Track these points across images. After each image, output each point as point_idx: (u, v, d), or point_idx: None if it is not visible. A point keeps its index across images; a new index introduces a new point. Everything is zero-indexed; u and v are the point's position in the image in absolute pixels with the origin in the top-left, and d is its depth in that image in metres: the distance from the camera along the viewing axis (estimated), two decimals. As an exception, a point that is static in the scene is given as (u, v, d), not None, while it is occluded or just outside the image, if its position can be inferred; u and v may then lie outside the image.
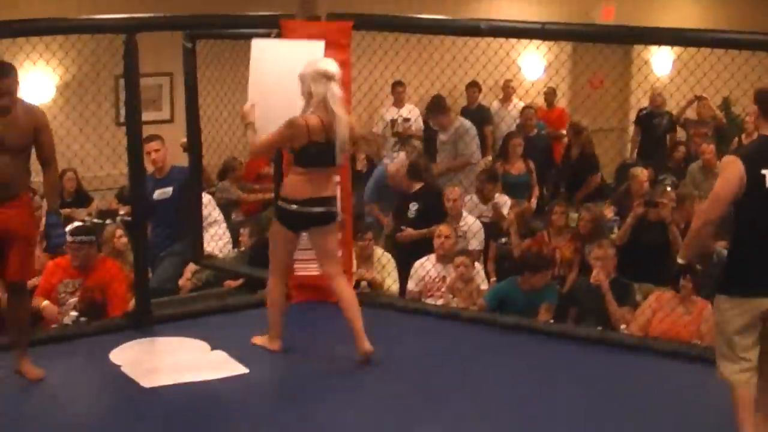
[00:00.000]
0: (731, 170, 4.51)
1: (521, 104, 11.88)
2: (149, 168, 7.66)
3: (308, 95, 5.72)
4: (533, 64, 13.41)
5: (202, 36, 7.15)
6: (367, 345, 5.81)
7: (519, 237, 8.15)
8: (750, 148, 4.90)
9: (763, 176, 4.46)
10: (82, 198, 10.12)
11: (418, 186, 8.73)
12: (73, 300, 6.87)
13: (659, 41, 8.07)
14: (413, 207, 8.54)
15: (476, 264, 7.70)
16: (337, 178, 6.15)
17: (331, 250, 5.99)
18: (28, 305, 5.82)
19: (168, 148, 8.23)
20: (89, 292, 6.93)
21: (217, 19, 7.05)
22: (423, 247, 7.97)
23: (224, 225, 8.76)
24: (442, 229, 7.79)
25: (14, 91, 5.40)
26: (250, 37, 6.47)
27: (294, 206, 5.76)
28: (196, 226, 7.58)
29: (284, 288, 6.07)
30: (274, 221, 6.03)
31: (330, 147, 5.73)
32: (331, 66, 5.74)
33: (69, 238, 6.75)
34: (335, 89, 5.70)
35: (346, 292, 5.96)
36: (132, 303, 6.81)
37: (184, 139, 7.56)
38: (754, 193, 4.47)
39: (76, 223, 8.18)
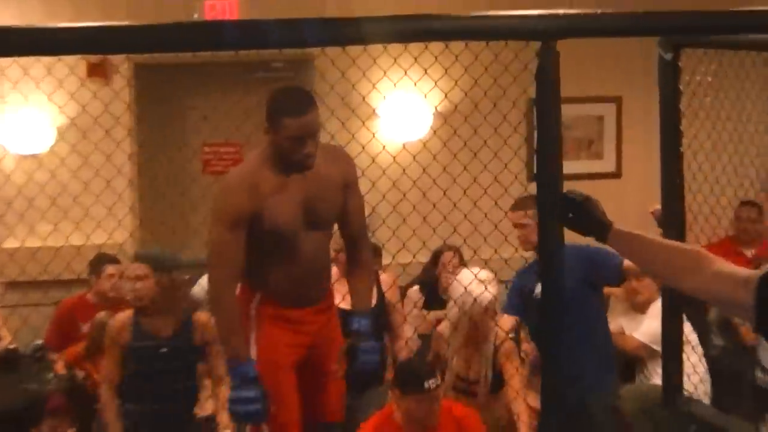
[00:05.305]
0: None
1: None
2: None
3: None
4: None
5: (687, 44, 4.61)
6: None
7: None
8: None
9: None
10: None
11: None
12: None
13: None
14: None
15: None
16: None
17: None
18: None
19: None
20: None
21: (693, 18, 4.43)
22: None
23: (700, 350, 5.98)
24: None
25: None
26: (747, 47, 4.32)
27: None
28: (672, 349, 4.65)
29: None
30: None
31: None
32: None
33: None
34: None
35: None
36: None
37: (658, 206, 4.72)
38: None
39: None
